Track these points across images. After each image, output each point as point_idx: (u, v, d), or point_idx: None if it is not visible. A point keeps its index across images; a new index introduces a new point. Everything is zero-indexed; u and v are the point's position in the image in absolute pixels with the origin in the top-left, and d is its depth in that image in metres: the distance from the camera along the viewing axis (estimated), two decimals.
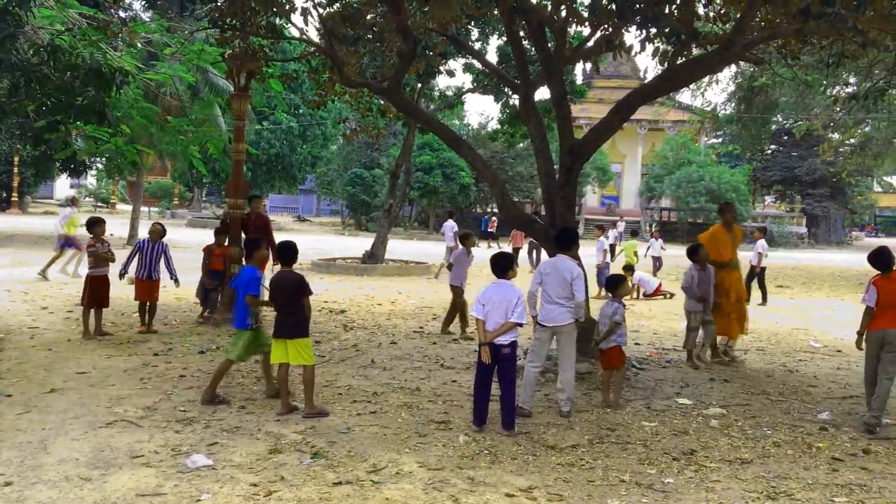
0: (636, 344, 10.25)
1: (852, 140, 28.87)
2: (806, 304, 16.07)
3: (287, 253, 6.51)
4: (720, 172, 41.25)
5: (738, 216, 40.99)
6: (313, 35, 12.10)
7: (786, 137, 44.89)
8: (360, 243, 25.70)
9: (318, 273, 18.57)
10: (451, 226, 20.99)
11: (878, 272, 6.66)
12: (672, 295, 15.74)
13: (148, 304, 9.91)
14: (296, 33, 10.97)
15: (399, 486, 4.76)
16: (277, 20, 9.71)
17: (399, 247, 26.11)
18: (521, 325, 5.98)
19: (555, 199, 8.66)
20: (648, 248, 20.95)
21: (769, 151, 48.79)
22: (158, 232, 10.07)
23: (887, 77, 16.11)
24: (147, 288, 9.91)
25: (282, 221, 45.46)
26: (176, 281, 10.20)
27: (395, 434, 5.85)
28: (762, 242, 16.76)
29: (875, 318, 6.53)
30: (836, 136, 28.58)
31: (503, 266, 6.21)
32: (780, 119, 34.71)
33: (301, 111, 35.83)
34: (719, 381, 8.15)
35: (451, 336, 10.46)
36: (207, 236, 13.18)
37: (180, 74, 12.83)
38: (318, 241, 31.93)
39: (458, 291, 10.69)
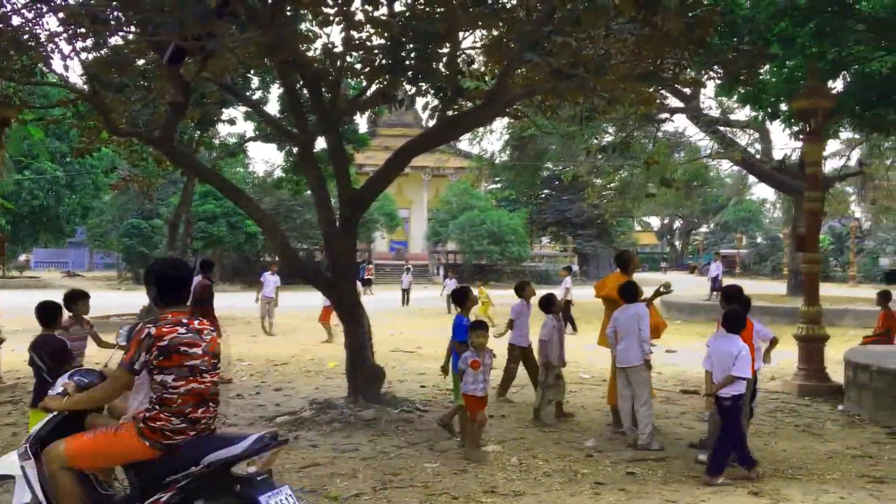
0: (421, 386, 10.51)
1: (613, 185, 31.60)
2: (577, 338, 17.16)
3: (46, 314, 6.05)
4: (500, 216, 43.60)
5: (519, 256, 43.81)
6: (79, 78, 11.45)
7: (556, 182, 48.23)
8: (139, 298, 24.23)
9: None
10: (274, 280, 18.24)
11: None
12: None
13: None
14: (60, 75, 10.30)
15: None
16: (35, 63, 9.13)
17: None
18: (742, 378, 6.10)
19: (336, 247, 8.75)
20: (444, 288, 24.09)
21: (543, 196, 52.22)
22: None
23: (635, 129, 17.95)
24: None
25: (49, 278, 41.94)
26: None
27: None
28: (568, 279, 19.06)
29: None
30: (598, 181, 31.15)
31: (735, 320, 6.32)
32: (550, 166, 37.40)
33: (68, 159, 33.54)
34: (497, 417, 8.53)
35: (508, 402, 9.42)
36: None
37: None
38: (91, 297, 29.69)
39: (517, 353, 9.49)
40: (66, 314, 6.87)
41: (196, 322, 3.84)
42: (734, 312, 6.46)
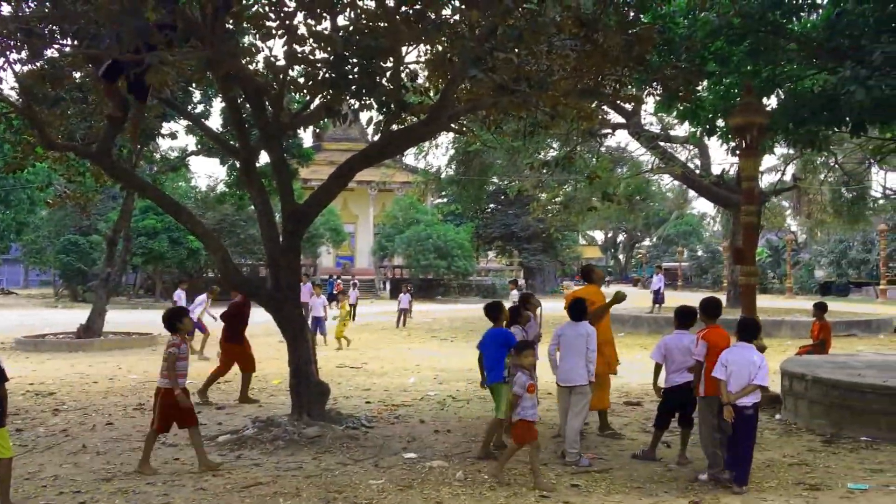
0: (367, 402, 10.43)
1: (557, 199, 31.95)
2: None
3: None
4: (446, 230, 43.65)
5: (465, 271, 43.96)
6: (12, 91, 11.20)
7: (502, 197, 48.58)
8: (76, 316, 23.63)
9: (24, 352, 16.82)
10: (200, 300, 17.80)
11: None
12: None
13: None
14: None
15: None
16: None
17: (121, 318, 24.37)
18: (764, 387, 6.40)
19: (279, 263, 8.65)
20: (399, 303, 24.89)
21: (489, 210, 52.54)
22: None
23: (578, 144, 18.19)
24: None
25: None
26: None
27: None
28: (515, 293, 19.75)
29: None
30: (543, 195, 31.44)
31: (750, 329, 6.52)
32: (496, 180, 37.63)
33: (1, 174, 32.54)
34: (443, 432, 8.52)
35: None
36: None
37: None
38: (25, 315, 28.98)
39: None
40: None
41: None
42: (749, 321, 6.68)
